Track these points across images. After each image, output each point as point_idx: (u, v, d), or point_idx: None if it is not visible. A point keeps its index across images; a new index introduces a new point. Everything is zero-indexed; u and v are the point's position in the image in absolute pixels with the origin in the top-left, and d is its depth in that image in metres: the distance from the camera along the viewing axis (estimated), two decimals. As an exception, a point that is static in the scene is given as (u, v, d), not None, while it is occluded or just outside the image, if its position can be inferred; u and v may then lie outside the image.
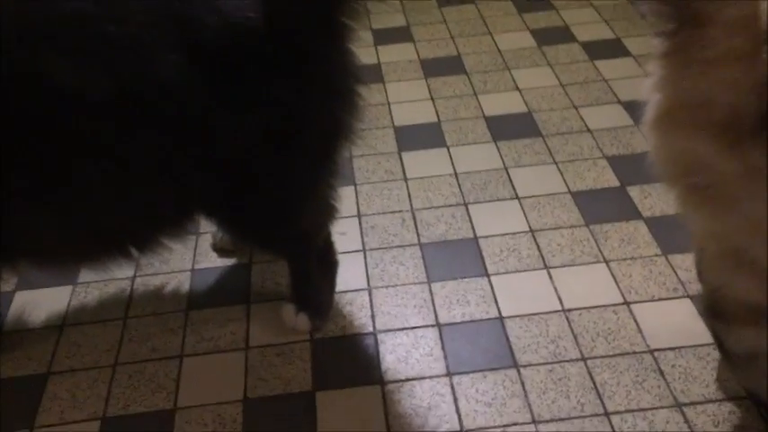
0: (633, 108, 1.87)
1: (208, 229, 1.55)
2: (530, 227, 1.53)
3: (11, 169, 1.00)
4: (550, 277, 1.41)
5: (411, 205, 1.61)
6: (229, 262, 1.50)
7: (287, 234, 1.25)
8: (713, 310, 1.08)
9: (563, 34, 2.20)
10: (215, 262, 1.50)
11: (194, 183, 1.09)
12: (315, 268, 1.32)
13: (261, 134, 1.08)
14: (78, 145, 1.01)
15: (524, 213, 1.56)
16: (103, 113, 0.99)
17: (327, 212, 1.30)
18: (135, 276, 1.47)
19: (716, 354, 1.22)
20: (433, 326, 1.32)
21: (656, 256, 1.44)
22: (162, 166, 1.05)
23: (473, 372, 1.23)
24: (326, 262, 1.36)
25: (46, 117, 0.98)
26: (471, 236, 1.52)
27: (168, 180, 1.07)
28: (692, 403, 1.16)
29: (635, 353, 1.25)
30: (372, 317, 1.35)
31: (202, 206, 1.18)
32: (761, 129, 0.82)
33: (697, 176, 0.91)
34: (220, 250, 1.51)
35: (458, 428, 1.15)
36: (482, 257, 1.46)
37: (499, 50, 2.15)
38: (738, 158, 0.85)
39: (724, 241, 0.96)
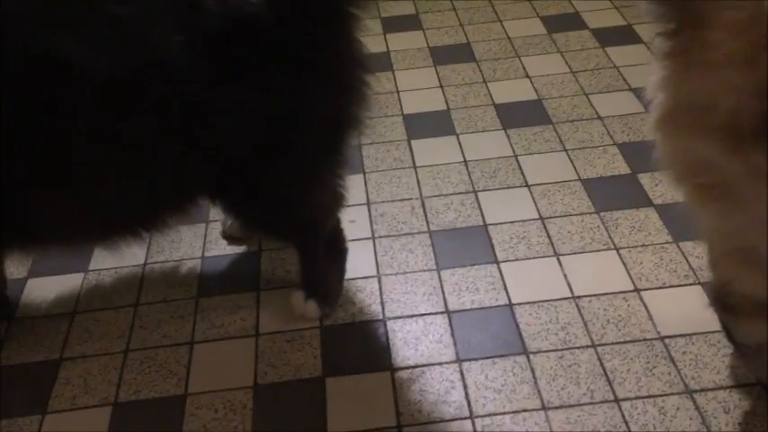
0: (644, 95, 1.85)
1: (217, 217, 1.55)
2: (540, 214, 1.52)
3: (21, 152, 1.01)
4: (560, 264, 1.40)
5: (420, 193, 1.60)
6: (239, 250, 1.50)
7: (293, 221, 1.25)
8: (722, 302, 1.08)
9: (574, 21, 2.19)
10: (225, 249, 1.50)
11: (195, 167, 1.09)
12: (323, 256, 1.33)
13: (262, 121, 1.08)
14: (80, 125, 1.01)
15: (534, 201, 1.56)
16: (104, 94, 0.99)
17: (335, 201, 1.29)
18: (145, 264, 1.47)
19: (727, 341, 1.22)
20: (442, 313, 1.32)
21: (667, 243, 1.43)
22: (162, 149, 1.05)
23: (483, 358, 1.23)
24: (336, 249, 1.36)
25: (49, 97, 0.98)
26: (481, 223, 1.51)
27: (168, 163, 1.07)
28: (703, 390, 1.15)
29: (645, 340, 1.24)
30: (382, 304, 1.35)
31: (206, 191, 1.18)
32: (764, 132, 0.82)
33: (702, 176, 0.91)
34: (230, 238, 1.52)
35: (467, 414, 1.15)
36: (492, 245, 1.46)
37: (509, 38, 2.14)
38: (742, 160, 0.85)
39: (730, 239, 0.96)
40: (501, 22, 2.22)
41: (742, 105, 0.83)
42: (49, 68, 0.96)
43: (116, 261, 1.46)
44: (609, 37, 2.09)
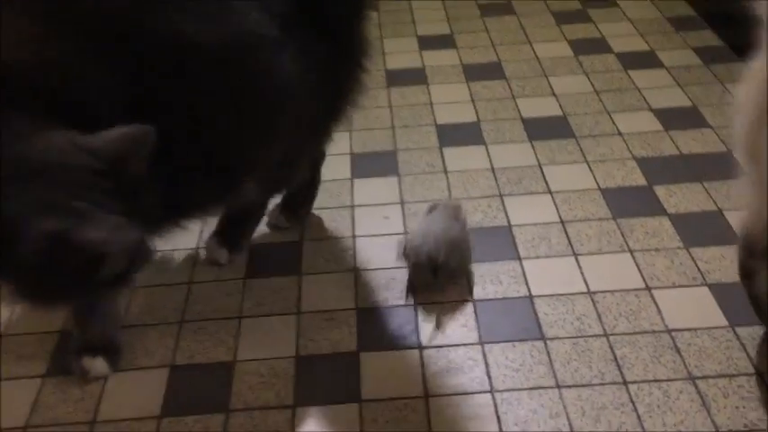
0: (664, 115, 1.98)
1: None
2: (560, 218, 1.65)
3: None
4: (578, 263, 1.52)
5: (450, 195, 1.74)
6: (283, 239, 1.64)
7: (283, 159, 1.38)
8: (754, 249, 1.20)
9: (599, 45, 2.32)
10: (270, 238, 1.64)
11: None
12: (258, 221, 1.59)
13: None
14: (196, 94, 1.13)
15: (556, 206, 1.68)
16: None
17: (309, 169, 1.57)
18: (198, 247, 1.62)
19: (729, 335, 1.33)
20: (468, 301, 1.45)
21: (679, 248, 1.54)
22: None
23: (503, 341, 1.35)
24: (312, 183, 1.64)
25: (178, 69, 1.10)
26: (505, 224, 1.64)
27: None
28: (705, 377, 1.26)
29: (654, 332, 1.36)
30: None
31: None
32: None
33: None
34: (275, 227, 1.66)
35: (488, 389, 1.27)
36: (515, 243, 1.58)
37: (537, 58, 2.28)
38: None
39: None
40: (531, 43, 2.36)
41: None
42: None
43: (170, 245, 1.60)
44: (632, 61, 2.22)
